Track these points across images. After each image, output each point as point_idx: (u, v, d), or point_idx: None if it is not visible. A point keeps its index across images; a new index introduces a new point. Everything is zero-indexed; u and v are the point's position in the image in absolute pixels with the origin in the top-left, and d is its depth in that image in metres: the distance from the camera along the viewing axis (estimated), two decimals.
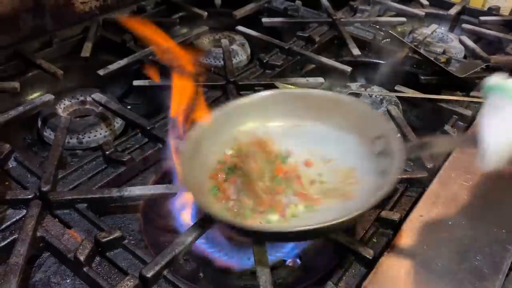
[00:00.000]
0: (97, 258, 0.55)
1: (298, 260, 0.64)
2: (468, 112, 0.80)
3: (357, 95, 0.88)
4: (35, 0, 0.95)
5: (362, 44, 1.04)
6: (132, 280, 0.51)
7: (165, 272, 0.53)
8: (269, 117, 0.67)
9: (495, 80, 0.51)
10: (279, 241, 0.61)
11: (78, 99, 0.88)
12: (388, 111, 0.82)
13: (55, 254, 0.57)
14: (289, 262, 0.63)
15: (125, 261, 0.55)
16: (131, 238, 0.60)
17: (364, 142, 0.61)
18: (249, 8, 1.17)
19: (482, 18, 1.17)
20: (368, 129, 0.60)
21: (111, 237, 0.55)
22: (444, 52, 1.01)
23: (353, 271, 0.55)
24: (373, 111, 0.62)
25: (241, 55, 1.03)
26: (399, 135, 0.57)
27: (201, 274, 0.61)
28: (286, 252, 0.63)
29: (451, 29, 1.19)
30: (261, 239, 0.55)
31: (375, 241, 0.58)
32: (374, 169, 0.57)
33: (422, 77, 0.92)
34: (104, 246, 0.55)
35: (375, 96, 0.90)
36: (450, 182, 0.66)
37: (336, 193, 0.57)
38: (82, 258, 0.53)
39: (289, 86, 0.86)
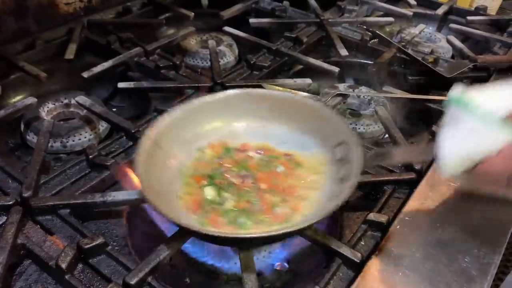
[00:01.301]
0: (80, 265, 0.54)
1: (286, 264, 0.63)
2: None
3: (345, 95, 0.88)
4: (17, 1, 0.93)
5: (350, 44, 1.04)
6: None
7: (149, 279, 0.52)
8: (235, 116, 0.67)
9: (455, 92, 0.51)
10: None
11: (62, 102, 0.86)
12: (376, 112, 0.82)
13: (36, 262, 0.55)
14: (277, 266, 0.62)
15: (109, 268, 0.53)
16: (115, 244, 0.59)
17: (326, 147, 0.61)
18: (236, 8, 1.16)
19: (469, 18, 1.17)
20: (331, 135, 0.61)
21: (94, 244, 0.54)
22: (431, 52, 1.01)
23: (341, 274, 0.54)
24: (337, 117, 0.62)
25: (229, 56, 1.02)
26: (359, 142, 0.57)
27: (187, 280, 0.60)
28: (274, 257, 0.62)
29: (439, 29, 1.19)
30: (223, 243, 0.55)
31: (363, 243, 0.58)
32: (334, 175, 0.58)
33: (409, 77, 0.92)
34: (87, 252, 0.54)
35: (363, 96, 0.89)
36: (438, 183, 0.66)
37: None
38: (64, 265, 0.51)
39: (276, 87, 0.85)
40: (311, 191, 0.59)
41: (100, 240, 0.54)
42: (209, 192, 0.58)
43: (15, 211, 0.58)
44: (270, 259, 0.61)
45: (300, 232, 0.54)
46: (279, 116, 0.67)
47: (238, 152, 0.64)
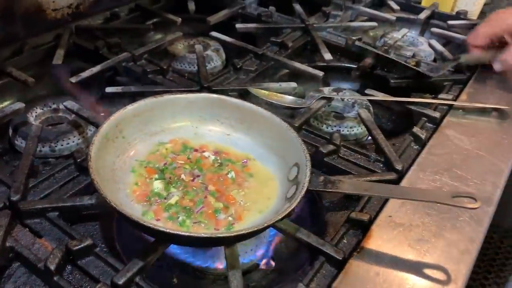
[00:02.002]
0: (69, 267, 0.55)
1: (271, 263, 0.65)
2: (437, 114, 0.83)
3: (329, 99, 0.90)
4: (5, 7, 0.94)
5: (334, 49, 1.06)
6: None
7: (137, 279, 0.53)
8: (204, 119, 0.71)
9: None
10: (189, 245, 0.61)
11: (50, 107, 0.87)
12: (359, 114, 0.84)
13: (25, 264, 0.56)
14: (262, 265, 0.64)
15: (97, 269, 0.54)
16: (103, 245, 0.60)
17: (283, 166, 0.64)
18: (223, 14, 1.18)
19: (451, 22, 1.20)
20: (290, 155, 0.63)
21: (83, 245, 0.55)
22: (413, 56, 1.03)
23: (324, 272, 0.56)
24: (298, 140, 0.63)
25: (216, 61, 1.04)
26: (309, 166, 0.59)
27: (174, 280, 0.61)
28: (259, 255, 0.64)
29: (422, 33, 1.22)
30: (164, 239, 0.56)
31: (345, 242, 0.59)
32: (283, 193, 0.61)
33: (392, 81, 0.94)
34: (75, 254, 0.55)
35: (347, 99, 0.91)
36: (418, 182, 0.68)
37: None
38: (52, 267, 0.52)
39: (262, 91, 0.87)
40: (256, 204, 0.61)
41: (88, 242, 0.55)
42: (157, 185, 0.61)
43: (3, 214, 0.58)
44: (256, 257, 0.63)
45: (224, 243, 0.55)
46: (246, 127, 0.70)
47: (195, 152, 0.67)
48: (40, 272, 0.54)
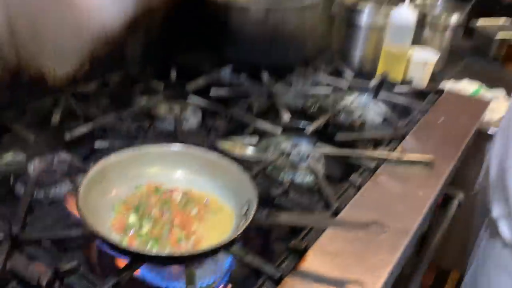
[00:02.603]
0: (57, 283, 0.67)
1: (229, 285, 0.77)
2: (372, 165, 0.99)
3: (288, 154, 1.06)
4: (13, 75, 1.11)
5: (293, 110, 1.24)
6: None
7: None
8: (174, 165, 0.87)
9: None
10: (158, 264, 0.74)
11: (47, 159, 1.02)
12: (310, 165, 0.99)
13: (21, 283, 0.69)
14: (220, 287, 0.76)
15: (80, 285, 0.67)
16: (86, 267, 0.73)
17: (238, 203, 0.79)
18: (200, 81, 1.36)
19: (397, 89, 1.40)
20: (244, 193, 0.78)
21: (69, 267, 0.68)
22: (360, 117, 1.21)
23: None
24: (251, 181, 0.79)
25: (192, 121, 1.21)
26: (256, 203, 0.75)
27: None
28: (217, 280, 0.77)
29: (372, 97, 1.40)
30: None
31: (285, 264, 0.73)
32: (235, 227, 0.76)
33: (339, 138, 1.11)
34: (63, 274, 0.67)
35: (302, 152, 1.08)
36: (348, 218, 0.83)
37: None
38: (43, 283, 0.65)
39: (229, 145, 1.03)
40: (213, 234, 0.75)
41: (74, 264, 0.68)
42: (132, 219, 0.76)
43: (5, 243, 0.72)
44: (213, 282, 0.76)
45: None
46: (209, 171, 0.85)
47: (166, 193, 0.82)
48: None
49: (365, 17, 1.57)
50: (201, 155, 0.86)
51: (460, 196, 1.33)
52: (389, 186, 0.93)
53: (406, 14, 1.47)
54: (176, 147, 0.88)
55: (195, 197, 0.82)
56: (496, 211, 1.07)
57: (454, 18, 1.70)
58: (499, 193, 1.06)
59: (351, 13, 1.58)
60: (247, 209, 0.75)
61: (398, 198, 0.89)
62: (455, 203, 1.24)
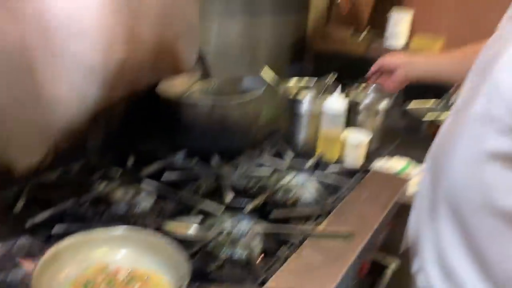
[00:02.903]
0: None
1: None
2: (297, 240, 1.14)
3: (229, 232, 1.20)
4: None
5: (238, 190, 1.39)
6: None
7: None
8: (119, 246, 1.00)
9: None
10: None
11: (7, 244, 1.12)
12: (247, 241, 1.13)
13: None
14: None
15: None
16: None
17: (176, 277, 0.92)
18: (155, 166, 1.52)
19: (330, 168, 1.58)
20: (180, 269, 0.92)
21: None
22: (295, 195, 1.38)
23: None
24: (185, 259, 0.94)
25: (145, 204, 1.34)
26: (188, 276, 0.89)
27: None
28: None
29: (308, 176, 1.57)
30: None
31: None
32: None
33: (272, 215, 1.26)
34: None
35: (241, 230, 1.21)
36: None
37: None
38: None
39: (173, 225, 1.16)
40: None
41: None
42: None
43: None
44: None
45: None
46: (150, 250, 0.99)
47: (112, 272, 0.95)
48: None
49: (304, 106, 1.81)
50: (142, 237, 0.99)
51: (393, 264, 1.48)
52: (311, 257, 1.07)
53: (336, 103, 1.70)
54: (121, 230, 1.01)
55: (137, 275, 0.94)
56: (415, 266, 1.20)
57: (383, 104, 1.94)
58: (414, 247, 1.20)
59: (293, 103, 1.82)
60: (181, 284, 0.88)
61: (317, 269, 1.03)
62: (388, 271, 1.39)
